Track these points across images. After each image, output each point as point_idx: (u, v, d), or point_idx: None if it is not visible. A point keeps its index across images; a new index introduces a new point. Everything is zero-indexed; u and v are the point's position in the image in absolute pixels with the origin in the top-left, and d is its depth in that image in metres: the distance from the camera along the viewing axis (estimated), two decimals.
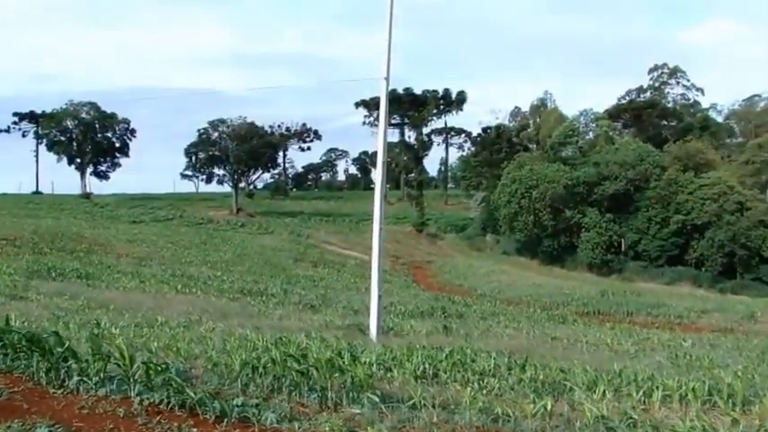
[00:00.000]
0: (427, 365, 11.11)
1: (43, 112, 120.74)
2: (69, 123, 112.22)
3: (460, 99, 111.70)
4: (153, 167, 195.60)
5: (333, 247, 75.14)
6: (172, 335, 14.91)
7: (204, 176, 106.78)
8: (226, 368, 9.42)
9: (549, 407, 7.73)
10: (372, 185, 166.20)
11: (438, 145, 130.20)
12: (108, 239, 53.54)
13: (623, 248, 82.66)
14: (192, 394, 7.42)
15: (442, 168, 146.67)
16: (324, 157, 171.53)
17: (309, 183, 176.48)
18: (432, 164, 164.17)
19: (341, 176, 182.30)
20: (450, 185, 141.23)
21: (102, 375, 8.23)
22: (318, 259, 59.26)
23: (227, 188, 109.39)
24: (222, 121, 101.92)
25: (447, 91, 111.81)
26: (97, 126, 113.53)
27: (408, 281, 56.49)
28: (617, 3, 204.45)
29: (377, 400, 7.76)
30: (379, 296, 18.76)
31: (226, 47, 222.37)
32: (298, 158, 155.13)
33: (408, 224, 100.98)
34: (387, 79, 17.88)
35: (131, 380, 8.04)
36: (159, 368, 8.12)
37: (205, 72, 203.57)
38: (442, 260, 78.17)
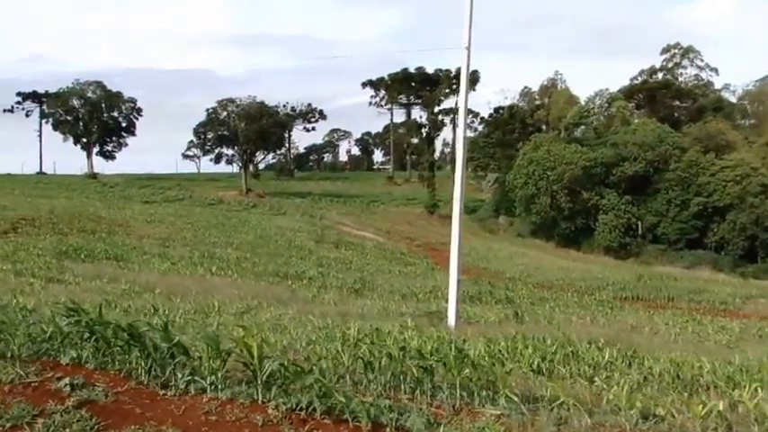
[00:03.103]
0: (539, 358, 10.30)
1: (46, 91, 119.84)
2: (76, 102, 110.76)
3: (474, 79, 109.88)
4: (151, 148, 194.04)
5: (347, 228, 73.95)
6: (243, 323, 13.76)
7: (213, 156, 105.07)
8: (333, 363, 8.34)
9: (720, 408, 6.61)
10: (375, 166, 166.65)
11: (445, 126, 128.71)
12: (126, 220, 52.91)
13: (641, 231, 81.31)
14: (343, 399, 6.36)
15: (445, 150, 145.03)
16: (326, 138, 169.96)
17: (311, 163, 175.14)
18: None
19: (342, 157, 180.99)
20: (448, 167, 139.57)
21: (218, 375, 7.09)
22: (338, 240, 58.15)
23: (229, 168, 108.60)
24: (231, 101, 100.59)
25: (460, 70, 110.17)
26: (103, 105, 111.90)
27: (430, 263, 55.04)
28: None
29: (516, 399, 6.80)
30: (458, 282, 17.53)
31: (220, 26, 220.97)
32: (301, 139, 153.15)
33: (419, 206, 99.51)
34: (468, 48, 17.09)
35: (260, 381, 6.91)
36: (299, 369, 7.05)
37: (200, 52, 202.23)
38: None
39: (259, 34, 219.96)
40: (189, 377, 7.10)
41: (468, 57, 16.74)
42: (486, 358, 9.39)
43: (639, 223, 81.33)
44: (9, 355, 7.62)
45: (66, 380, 6.98)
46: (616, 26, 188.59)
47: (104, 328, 8.16)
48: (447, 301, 26.75)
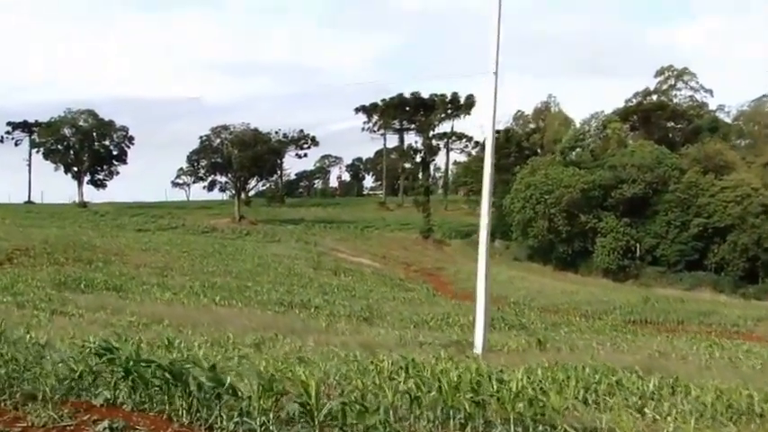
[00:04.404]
0: (582, 389, 10.05)
1: (36, 121, 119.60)
2: (67, 131, 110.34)
3: (469, 103, 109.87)
4: (139, 176, 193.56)
5: (343, 254, 73.58)
6: (264, 356, 13.87)
7: (206, 184, 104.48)
8: (374, 398, 7.84)
9: None
10: (366, 192, 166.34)
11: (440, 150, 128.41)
12: (121, 249, 52.38)
13: (640, 253, 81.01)
14: None
15: (435, 175, 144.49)
16: (317, 164, 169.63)
17: (301, 190, 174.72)
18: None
19: (332, 183, 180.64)
20: (439, 191, 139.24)
21: (270, 416, 6.73)
22: (336, 267, 57.85)
23: (219, 195, 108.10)
24: (225, 128, 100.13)
25: (455, 95, 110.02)
26: (95, 134, 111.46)
27: (429, 289, 54.78)
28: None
29: None
30: (486, 309, 17.12)
31: (208, 54, 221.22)
32: (293, 165, 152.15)
33: (413, 231, 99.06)
34: (495, 74, 16.83)
35: (316, 422, 6.58)
36: (362, 408, 6.68)
37: (188, 80, 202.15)
38: (453, 267, 76.53)
39: (247, 62, 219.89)
40: (237, 419, 6.73)
41: (496, 82, 16.46)
42: (530, 390, 8.90)
43: (638, 245, 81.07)
44: (40, 397, 7.25)
45: (105, 423, 6.64)
46: (607, 47, 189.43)
47: (142, 366, 7.69)
48: (461, 327, 26.71)
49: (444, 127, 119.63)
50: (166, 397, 7.26)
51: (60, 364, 8.22)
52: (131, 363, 7.74)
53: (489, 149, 17.32)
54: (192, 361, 8.18)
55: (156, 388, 7.41)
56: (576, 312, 43.33)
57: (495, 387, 7.89)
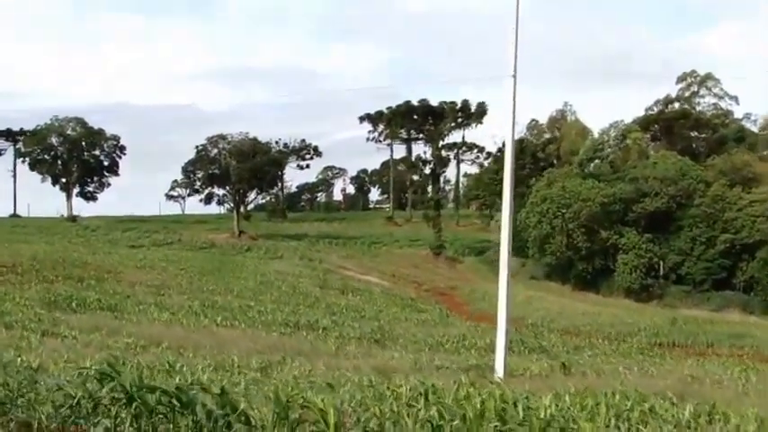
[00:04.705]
0: (613, 416, 9.69)
1: (22, 129, 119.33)
2: (54, 140, 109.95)
3: (481, 111, 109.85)
4: (132, 188, 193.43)
5: (350, 272, 73.56)
6: (273, 380, 13.86)
7: (203, 197, 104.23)
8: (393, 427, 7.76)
9: None
10: (372, 205, 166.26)
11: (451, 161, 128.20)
12: (114, 266, 52.41)
13: (663, 272, 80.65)
14: None
15: (445, 188, 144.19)
16: (320, 176, 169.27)
17: (303, 203, 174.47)
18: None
19: (336, 196, 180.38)
20: (450, 205, 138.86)
21: None
22: (343, 286, 57.93)
23: (217, 209, 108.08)
24: (222, 137, 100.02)
25: (466, 102, 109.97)
26: (84, 143, 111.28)
27: (443, 310, 54.70)
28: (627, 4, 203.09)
29: None
30: (507, 331, 16.97)
31: (204, 60, 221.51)
32: (294, 177, 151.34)
33: (423, 247, 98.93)
34: (514, 77, 16.77)
35: None
36: None
37: (183, 87, 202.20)
38: (467, 286, 76.53)
39: (246, 67, 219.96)
40: None
41: (515, 85, 16.38)
42: (561, 418, 8.84)
43: (662, 263, 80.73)
44: (35, 426, 7.19)
45: None
46: (625, 52, 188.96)
47: (147, 393, 7.52)
48: (478, 350, 26.63)
49: (455, 137, 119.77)
50: (172, 426, 7.15)
51: (56, 390, 8.05)
52: (134, 388, 7.58)
53: (509, 157, 17.23)
54: (201, 386, 8.02)
55: (161, 416, 7.28)
56: (599, 335, 43.30)
57: (522, 415, 7.85)
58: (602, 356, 27.89)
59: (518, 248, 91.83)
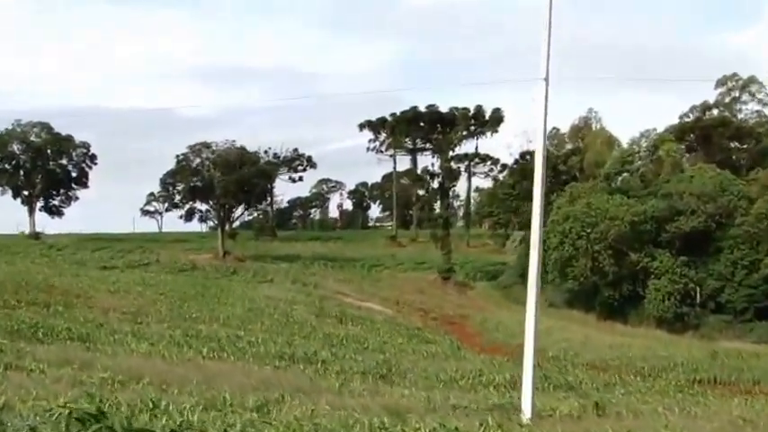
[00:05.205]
0: None
1: None
2: (16, 148, 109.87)
3: (496, 118, 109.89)
4: (102, 202, 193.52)
5: (349, 299, 73.59)
6: (274, 422, 13.48)
7: (183, 212, 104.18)
8: None
9: None
10: (371, 223, 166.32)
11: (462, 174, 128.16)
12: (84, 290, 52.40)
13: (700, 299, 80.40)
14: None
15: (454, 204, 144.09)
16: (314, 190, 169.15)
17: (295, 221, 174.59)
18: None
19: (332, 212, 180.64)
20: (459, 223, 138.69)
21: None
22: (341, 314, 57.87)
23: (198, 227, 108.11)
24: (206, 146, 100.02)
25: (479, 108, 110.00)
26: (50, 151, 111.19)
27: (454, 341, 54.64)
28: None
29: None
30: (534, 367, 16.99)
31: (185, 58, 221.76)
32: (285, 191, 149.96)
33: (431, 270, 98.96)
34: (546, 80, 16.83)
35: None
36: None
37: (160, 89, 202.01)
38: (479, 314, 76.48)
39: (232, 67, 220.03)
40: None
41: (547, 89, 16.42)
42: None
43: (698, 289, 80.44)
44: None
45: None
46: (657, 54, 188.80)
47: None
48: (496, 387, 26.60)
49: (466, 147, 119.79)
50: None
51: None
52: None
53: (539, 169, 17.25)
54: (192, 428, 7.96)
55: None
56: (630, 369, 43.06)
57: None
58: (636, 395, 27.83)
59: None
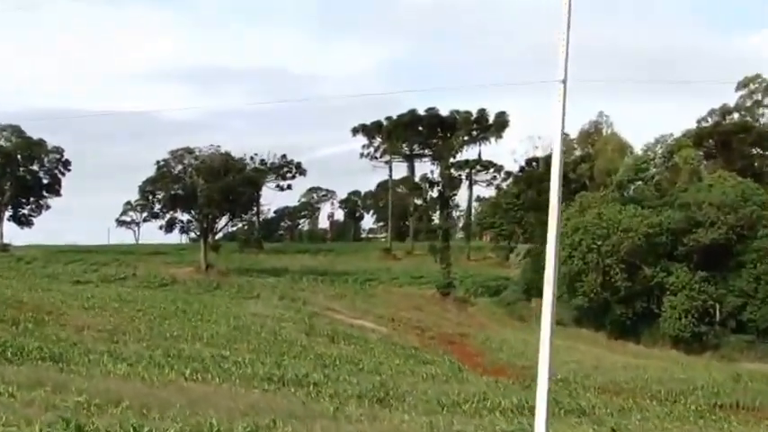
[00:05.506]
0: None
1: None
2: None
3: (500, 122, 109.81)
4: (73, 210, 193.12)
5: (340, 316, 73.48)
6: None
7: (164, 223, 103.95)
8: None
9: None
10: (365, 235, 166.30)
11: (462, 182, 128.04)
12: (56, 306, 52.22)
13: (720, 317, 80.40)
14: None
15: (454, 214, 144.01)
16: (303, 199, 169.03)
17: (282, 232, 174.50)
18: None
19: (322, 223, 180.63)
20: (459, 235, 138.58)
21: None
22: (333, 332, 57.66)
23: (177, 238, 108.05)
24: (189, 152, 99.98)
25: (482, 112, 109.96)
26: (19, 157, 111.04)
27: (454, 362, 54.49)
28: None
29: None
30: (548, 392, 16.81)
31: (169, 58, 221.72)
32: (273, 200, 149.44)
33: (429, 286, 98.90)
34: (564, 82, 16.62)
35: None
36: None
37: (139, 90, 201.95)
38: (480, 333, 76.39)
39: (216, 68, 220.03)
40: None
41: (565, 92, 16.22)
42: None
43: (718, 307, 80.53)
44: None
45: None
46: (673, 54, 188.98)
47: None
48: (502, 412, 26.54)
49: (467, 153, 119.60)
50: None
51: None
52: None
53: (556, 178, 16.88)
54: None
55: None
56: (645, 393, 43.08)
57: None
58: (654, 420, 27.85)
59: (540, 289, 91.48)
